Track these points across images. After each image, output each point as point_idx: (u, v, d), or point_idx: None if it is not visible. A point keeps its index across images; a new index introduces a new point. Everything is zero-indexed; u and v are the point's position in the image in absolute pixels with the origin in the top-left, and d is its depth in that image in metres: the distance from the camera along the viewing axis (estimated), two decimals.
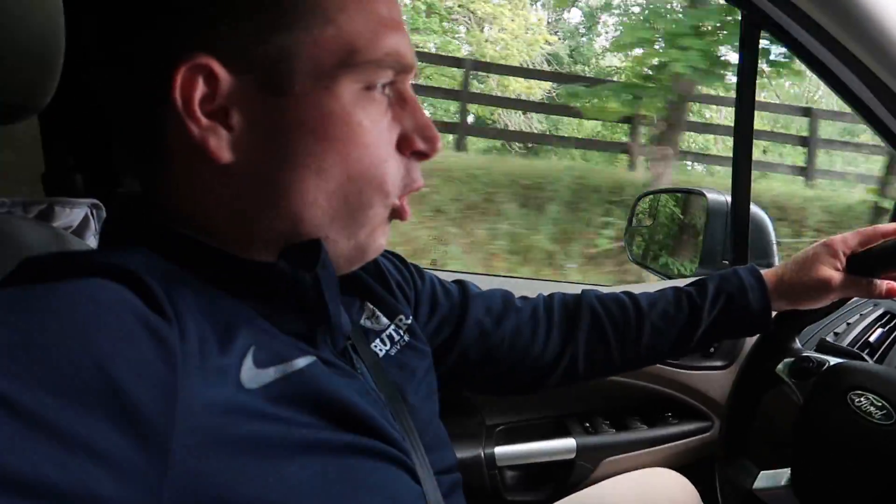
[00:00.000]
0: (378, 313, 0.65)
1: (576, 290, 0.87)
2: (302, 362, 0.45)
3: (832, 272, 0.79)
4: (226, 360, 0.41)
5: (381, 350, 0.62)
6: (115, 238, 0.48)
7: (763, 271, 0.83)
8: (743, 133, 1.20)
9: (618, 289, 0.92)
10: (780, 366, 0.86)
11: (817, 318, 0.87)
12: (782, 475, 0.83)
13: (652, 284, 1.35)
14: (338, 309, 0.51)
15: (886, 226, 0.80)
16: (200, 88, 0.43)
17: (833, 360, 0.82)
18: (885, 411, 0.72)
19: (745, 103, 1.18)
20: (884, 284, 0.79)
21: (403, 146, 0.50)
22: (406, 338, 0.65)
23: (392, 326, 0.65)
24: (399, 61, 0.48)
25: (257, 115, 0.44)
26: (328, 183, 0.46)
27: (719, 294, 0.81)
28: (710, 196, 1.36)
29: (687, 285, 0.85)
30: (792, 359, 0.85)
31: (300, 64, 0.44)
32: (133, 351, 0.35)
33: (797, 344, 0.88)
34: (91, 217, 0.73)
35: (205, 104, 0.43)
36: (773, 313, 0.82)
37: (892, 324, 1.06)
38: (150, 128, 0.45)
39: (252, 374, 0.42)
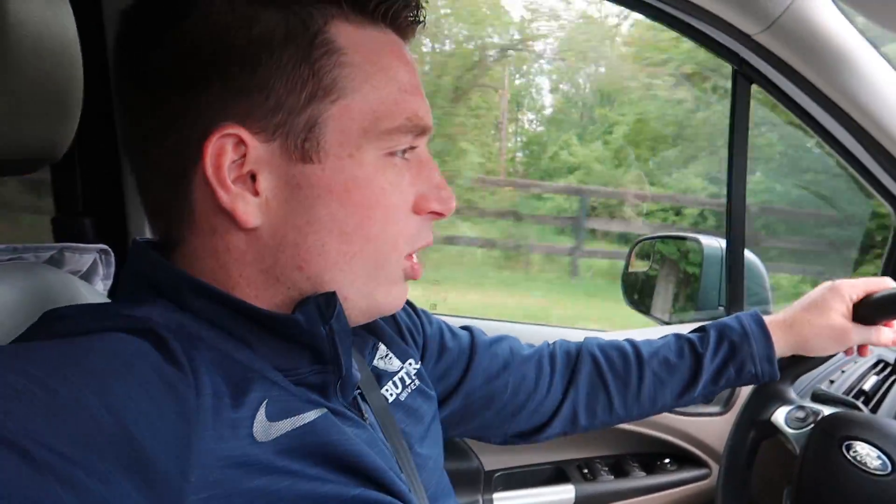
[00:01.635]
0: (391, 354, 0.66)
1: (578, 335, 0.87)
2: (313, 415, 0.46)
3: (844, 320, 0.78)
4: (239, 413, 0.41)
5: (391, 394, 0.63)
6: (132, 288, 0.49)
7: (767, 318, 0.82)
8: (736, 182, 1.23)
9: (620, 335, 0.92)
10: (775, 415, 0.86)
11: (815, 365, 0.87)
12: None
13: (655, 329, 1.36)
14: (349, 361, 0.51)
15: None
16: (229, 156, 0.44)
17: (828, 410, 0.83)
18: (881, 461, 0.72)
19: (737, 153, 1.21)
20: (891, 333, 0.78)
21: (420, 207, 0.52)
22: (416, 382, 0.66)
23: (404, 369, 0.66)
24: (418, 124, 0.50)
25: (284, 182, 0.46)
26: (350, 246, 0.48)
27: (721, 341, 0.80)
28: (706, 242, 1.38)
29: (690, 332, 0.85)
30: (788, 408, 0.85)
31: (327, 132, 0.46)
32: (151, 405, 0.36)
33: (792, 394, 0.89)
34: (99, 262, 0.74)
35: (232, 171, 0.45)
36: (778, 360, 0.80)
37: (885, 371, 1.07)
38: (177, 191, 0.47)
39: (264, 428, 0.42)
